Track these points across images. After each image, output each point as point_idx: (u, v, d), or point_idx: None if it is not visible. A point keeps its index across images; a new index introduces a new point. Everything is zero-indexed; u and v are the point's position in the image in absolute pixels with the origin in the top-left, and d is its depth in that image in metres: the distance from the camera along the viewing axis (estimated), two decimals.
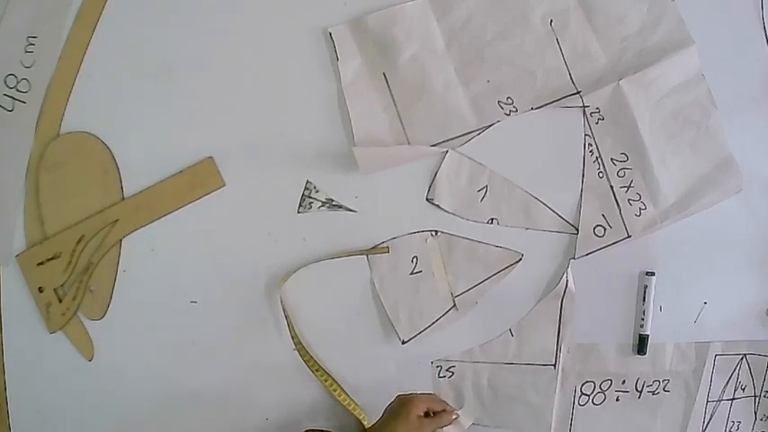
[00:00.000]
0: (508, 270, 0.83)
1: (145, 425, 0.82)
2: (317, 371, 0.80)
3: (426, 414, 0.74)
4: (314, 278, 0.81)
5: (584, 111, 0.82)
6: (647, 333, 0.85)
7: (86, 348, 0.80)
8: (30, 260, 0.78)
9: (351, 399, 0.81)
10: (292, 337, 0.80)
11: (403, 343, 0.82)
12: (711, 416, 0.90)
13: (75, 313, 0.79)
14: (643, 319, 0.85)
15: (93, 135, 0.78)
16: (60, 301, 0.79)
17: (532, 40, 0.81)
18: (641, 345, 0.85)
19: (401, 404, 0.73)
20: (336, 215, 0.81)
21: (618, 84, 0.81)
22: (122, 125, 0.78)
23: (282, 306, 0.80)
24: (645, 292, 0.85)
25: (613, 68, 0.82)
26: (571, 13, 0.81)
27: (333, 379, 0.81)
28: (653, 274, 0.84)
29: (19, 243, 0.78)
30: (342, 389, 0.81)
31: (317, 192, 0.81)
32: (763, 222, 0.86)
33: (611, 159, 0.82)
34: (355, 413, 0.81)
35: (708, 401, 0.89)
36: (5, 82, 0.76)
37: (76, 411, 0.81)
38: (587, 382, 0.86)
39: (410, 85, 0.80)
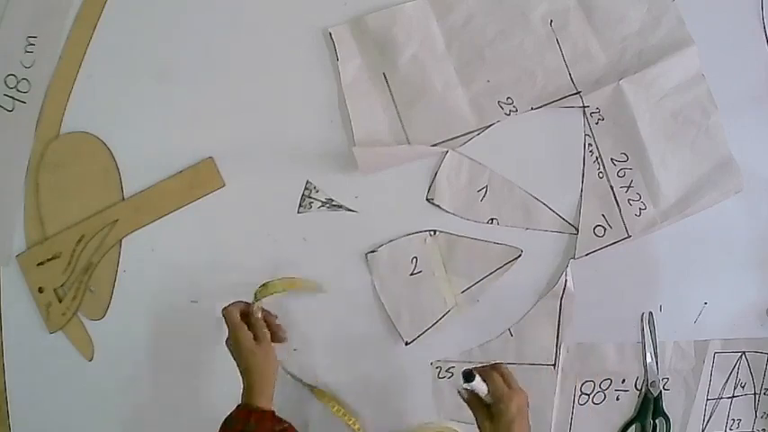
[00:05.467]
0: (508, 266, 0.83)
1: (144, 425, 0.82)
2: (313, 389, 0.81)
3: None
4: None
5: (584, 111, 0.82)
6: None
7: (86, 348, 0.80)
8: (30, 260, 0.79)
9: (340, 407, 0.82)
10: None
11: (406, 344, 0.82)
12: (711, 414, 0.90)
13: (75, 313, 0.79)
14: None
15: (93, 135, 0.78)
16: (60, 301, 0.79)
17: (532, 40, 0.81)
18: None
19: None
20: (336, 215, 0.81)
21: (618, 84, 0.81)
22: (122, 125, 0.78)
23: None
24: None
25: (613, 68, 0.82)
26: (571, 13, 0.81)
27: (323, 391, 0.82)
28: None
29: (19, 243, 0.79)
30: (336, 401, 0.82)
31: (317, 192, 0.81)
32: (763, 222, 0.86)
33: (611, 159, 0.82)
34: (344, 419, 0.81)
35: (708, 399, 0.89)
36: (5, 82, 0.76)
37: (76, 411, 0.81)
38: (587, 381, 0.86)
39: (410, 85, 0.80)
